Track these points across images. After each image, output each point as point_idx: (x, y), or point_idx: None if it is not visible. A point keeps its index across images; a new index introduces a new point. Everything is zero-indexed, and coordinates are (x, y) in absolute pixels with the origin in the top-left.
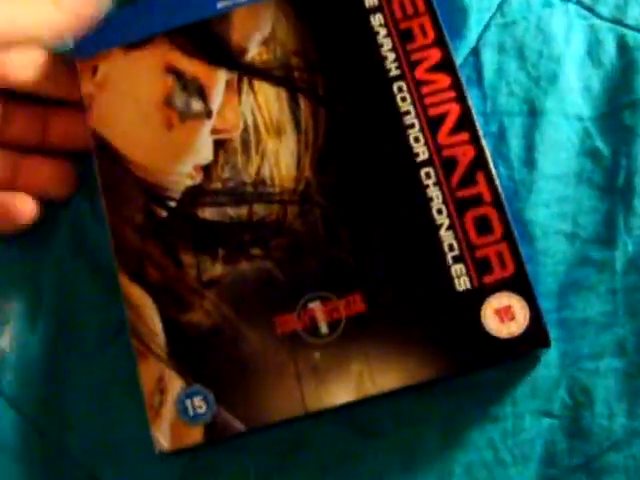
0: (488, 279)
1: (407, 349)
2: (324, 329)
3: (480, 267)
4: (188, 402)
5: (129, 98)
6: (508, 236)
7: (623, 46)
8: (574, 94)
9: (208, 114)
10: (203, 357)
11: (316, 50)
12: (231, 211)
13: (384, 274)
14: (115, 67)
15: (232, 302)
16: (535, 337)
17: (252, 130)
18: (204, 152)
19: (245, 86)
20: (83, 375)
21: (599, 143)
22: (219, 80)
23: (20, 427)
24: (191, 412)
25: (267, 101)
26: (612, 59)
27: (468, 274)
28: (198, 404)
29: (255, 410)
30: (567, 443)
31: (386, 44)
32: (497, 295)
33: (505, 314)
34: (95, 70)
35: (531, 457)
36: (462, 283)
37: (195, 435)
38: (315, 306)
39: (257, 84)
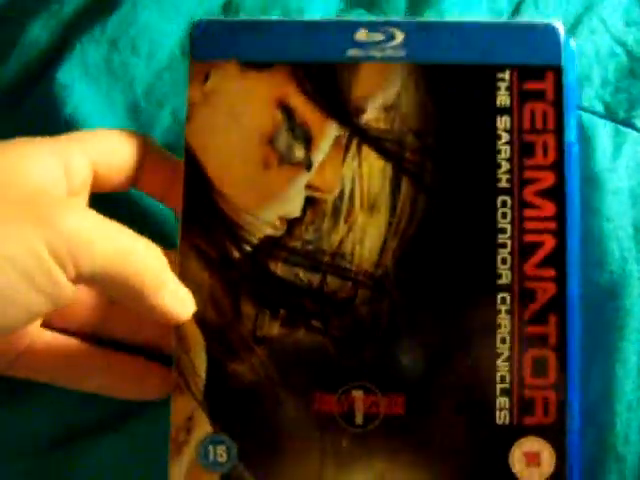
0: (527, 420)
1: (430, 466)
2: (359, 419)
3: (524, 407)
4: (211, 448)
5: (233, 123)
6: (559, 386)
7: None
8: None
9: (308, 166)
10: (237, 410)
11: (434, 135)
12: (303, 275)
13: (431, 387)
14: (226, 82)
15: (279, 365)
16: None
17: (347, 197)
18: (293, 205)
19: (353, 148)
20: None
21: None
22: (329, 133)
23: None
24: (211, 458)
25: (371, 172)
26: None
27: (510, 410)
28: (220, 453)
29: (272, 477)
30: None
31: (504, 152)
32: (530, 438)
33: (532, 459)
34: (207, 77)
35: None
36: (502, 417)
37: None
38: (357, 395)
39: (365, 150)
